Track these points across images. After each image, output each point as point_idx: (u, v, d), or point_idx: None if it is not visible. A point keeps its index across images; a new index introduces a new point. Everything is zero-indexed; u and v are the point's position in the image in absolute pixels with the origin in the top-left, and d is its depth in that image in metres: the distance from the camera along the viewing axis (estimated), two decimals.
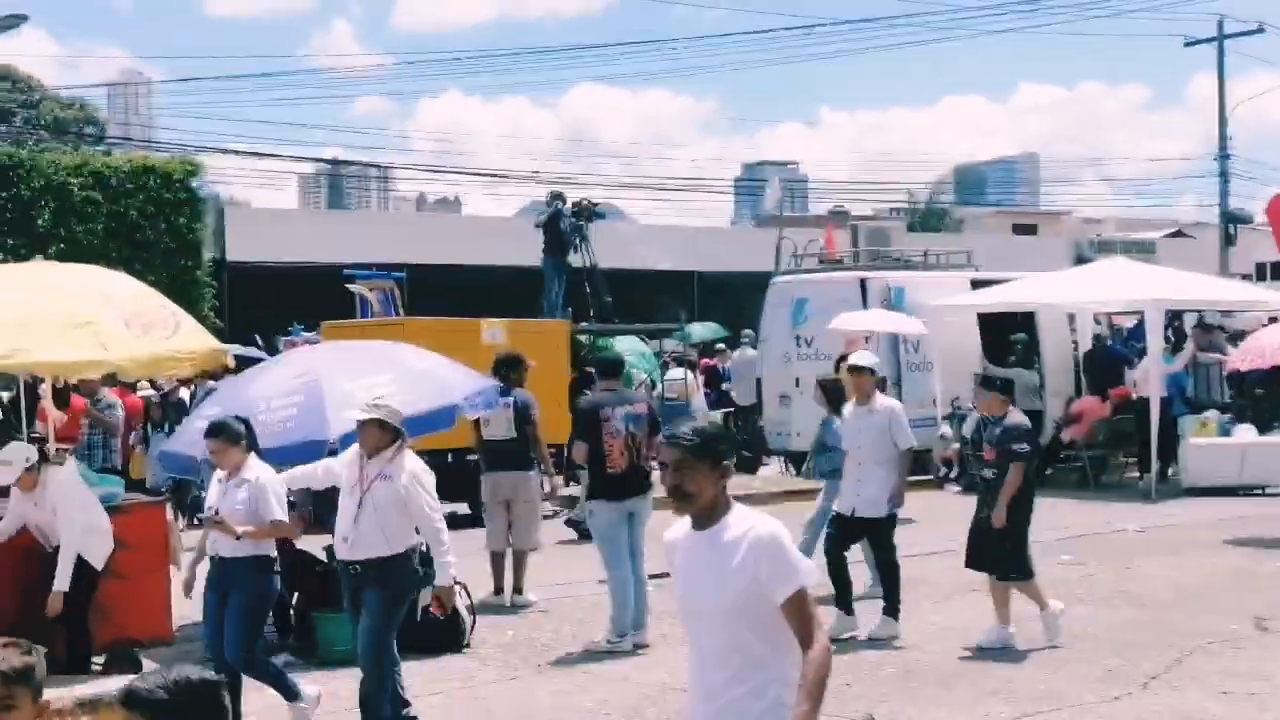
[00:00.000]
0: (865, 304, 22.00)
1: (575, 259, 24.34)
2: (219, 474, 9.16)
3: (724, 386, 27.21)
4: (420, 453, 14.35)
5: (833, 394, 13.20)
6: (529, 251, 26.54)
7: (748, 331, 26.33)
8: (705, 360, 28.88)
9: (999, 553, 10.89)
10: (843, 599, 11.48)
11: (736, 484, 21.79)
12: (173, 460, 12.21)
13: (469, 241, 36.79)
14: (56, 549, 9.91)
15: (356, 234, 36.12)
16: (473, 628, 11.51)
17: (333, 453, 11.61)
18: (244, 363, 16.29)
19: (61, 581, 9.77)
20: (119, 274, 12.77)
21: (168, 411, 18.82)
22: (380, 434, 8.90)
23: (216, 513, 8.89)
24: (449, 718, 9.56)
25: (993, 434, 11.01)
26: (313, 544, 12.01)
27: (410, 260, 32.87)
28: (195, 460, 11.46)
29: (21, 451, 10.36)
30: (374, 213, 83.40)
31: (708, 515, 4.85)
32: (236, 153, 71.58)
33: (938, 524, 15.41)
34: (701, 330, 31.70)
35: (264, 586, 9.03)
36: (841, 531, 11.70)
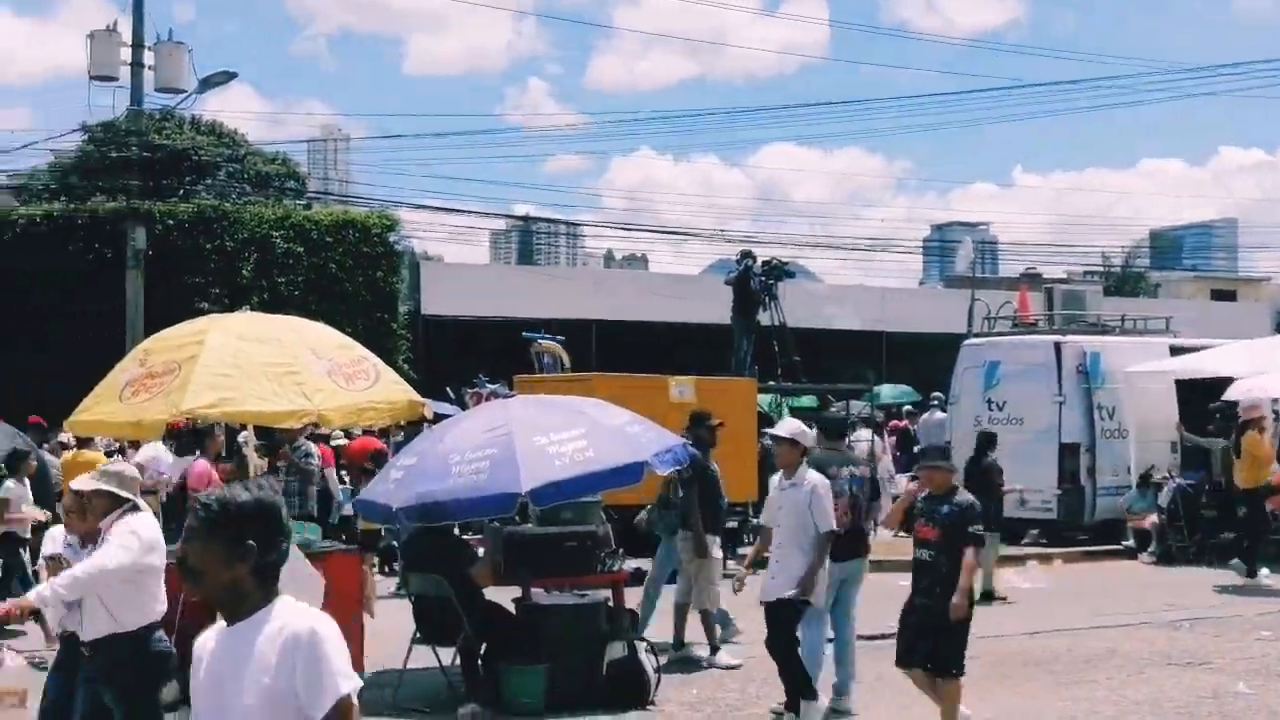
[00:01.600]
0: (1060, 368, 21.69)
1: (764, 317, 24.36)
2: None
3: (915, 450, 26.92)
4: (609, 507, 14.54)
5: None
6: (716, 309, 26.65)
7: (937, 394, 26.06)
8: (895, 422, 28.62)
9: (946, 646, 9.80)
10: (804, 689, 10.66)
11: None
12: (369, 508, 12.45)
13: (656, 298, 37.00)
14: None
15: (546, 290, 36.55)
16: (657, 685, 11.50)
17: (524, 506, 11.77)
18: (437, 416, 16.55)
19: None
20: (323, 326, 13.11)
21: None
22: (109, 503, 7.85)
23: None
24: None
25: (936, 511, 9.89)
26: (502, 595, 12.14)
27: (597, 316, 33.22)
28: (391, 509, 11.68)
29: None
30: (563, 269, 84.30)
31: (232, 606, 4.05)
32: (432, 208, 72.91)
33: (1129, 594, 15.06)
34: (890, 391, 31.46)
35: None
36: (770, 621, 10.76)
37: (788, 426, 11.11)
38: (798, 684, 10.59)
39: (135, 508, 7.81)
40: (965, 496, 9.95)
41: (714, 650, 13.12)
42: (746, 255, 25.09)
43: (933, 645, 9.79)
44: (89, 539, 7.91)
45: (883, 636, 13.79)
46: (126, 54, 26.88)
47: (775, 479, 11.07)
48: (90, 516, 7.87)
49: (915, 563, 10.00)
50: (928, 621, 9.73)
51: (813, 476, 10.69)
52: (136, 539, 7.57)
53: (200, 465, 14.63)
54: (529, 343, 23.37)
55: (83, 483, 7.92)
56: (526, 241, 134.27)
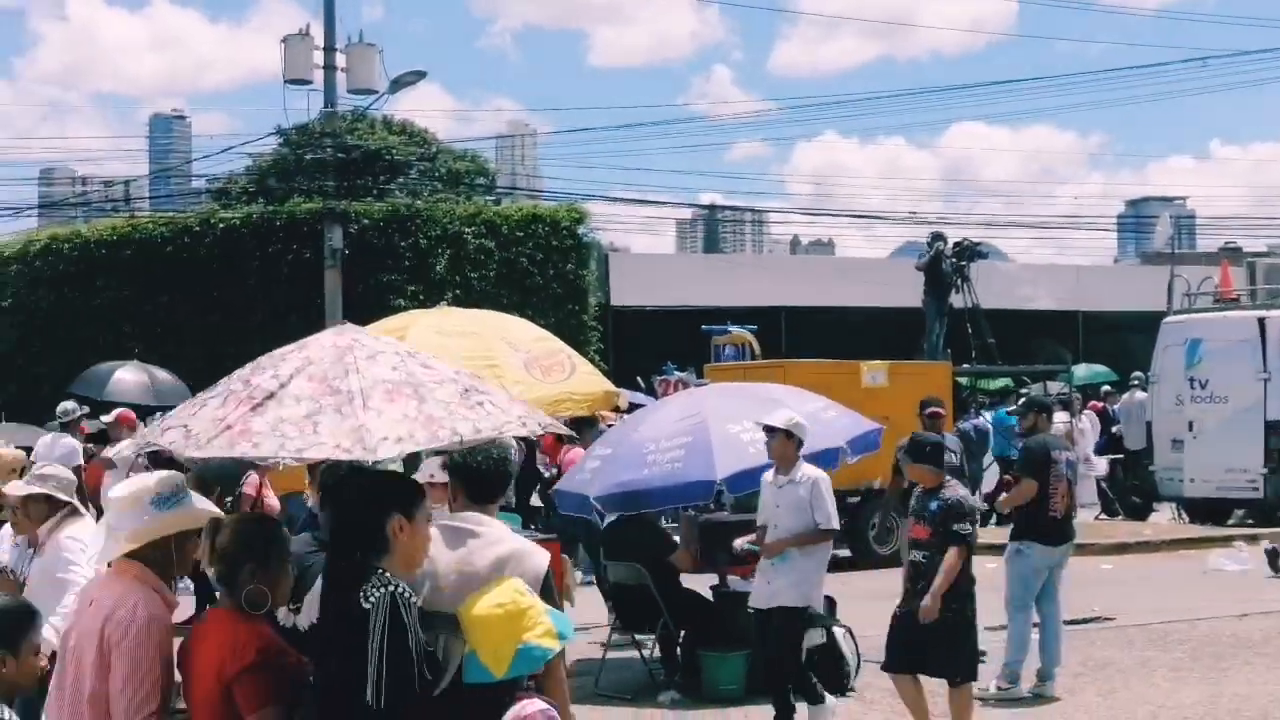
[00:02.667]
0: (1264, 344, 21.12)
1: (956, 300, 24.09)
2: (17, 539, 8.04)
3: (1114, 430, 26.39)
4: None
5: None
6: (905, 292, 26.41)
7: (1137, 374, 25.52)
8: (1094, 403, 28.10)
9: (947, 652, 9.13)
10: (810, 695, 9.93)
11: (1127, 531, 21.33)
12: (566, 499, 12.58)
13: (844, 283, 36.76)
14: None
15: (733, 278, 36.53)
16: (858, 671, 11.45)
17: (719, 494, 11.81)
18: (631, 406, 16.66)
19: None
20: (520, 319, 13.30)
21: None
22: (47, 508, 7.57)
23: None
24: None
25: (925, 508, 9.28)
26: (699, 582, 12.20)
27: (785, 303, 33.12)
28: (588, 499, 11.80)
29: None
30: (749, 256, 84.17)
31: None
32: (619, 200, 73.32)
33: None
34: (1085, 372, 30.87)
35: None
36: (762, 631, 10.03)
37: (782, 416, 10.08)
38: (802, 693, 9.90)
39: (75, 512, 7.59)
40: (954, 492, 9.26)
41: None
42: (937, 237, 24.85)
43: (929, 652, 9.14)
44: (32, 542, 7.62)
45: (1086, 620, 13.64)
46: (319, 57, 27.49)
47: (767, 475, 10.18)
48: (30, 522, 7.58)
49: (909, 564, 9.41)
50: (921, 627, 9.05)
51: (810, 470, 9.97)
52: (85, 554, 7.07)
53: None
54: (708, 336, 23.44)
55: (17, 488, 7.67)
56: (712, 230, 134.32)
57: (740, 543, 10.97)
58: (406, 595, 4.53)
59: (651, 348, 28.09)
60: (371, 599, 4.47)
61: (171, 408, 17.57)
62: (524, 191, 49.81)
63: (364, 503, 4.75)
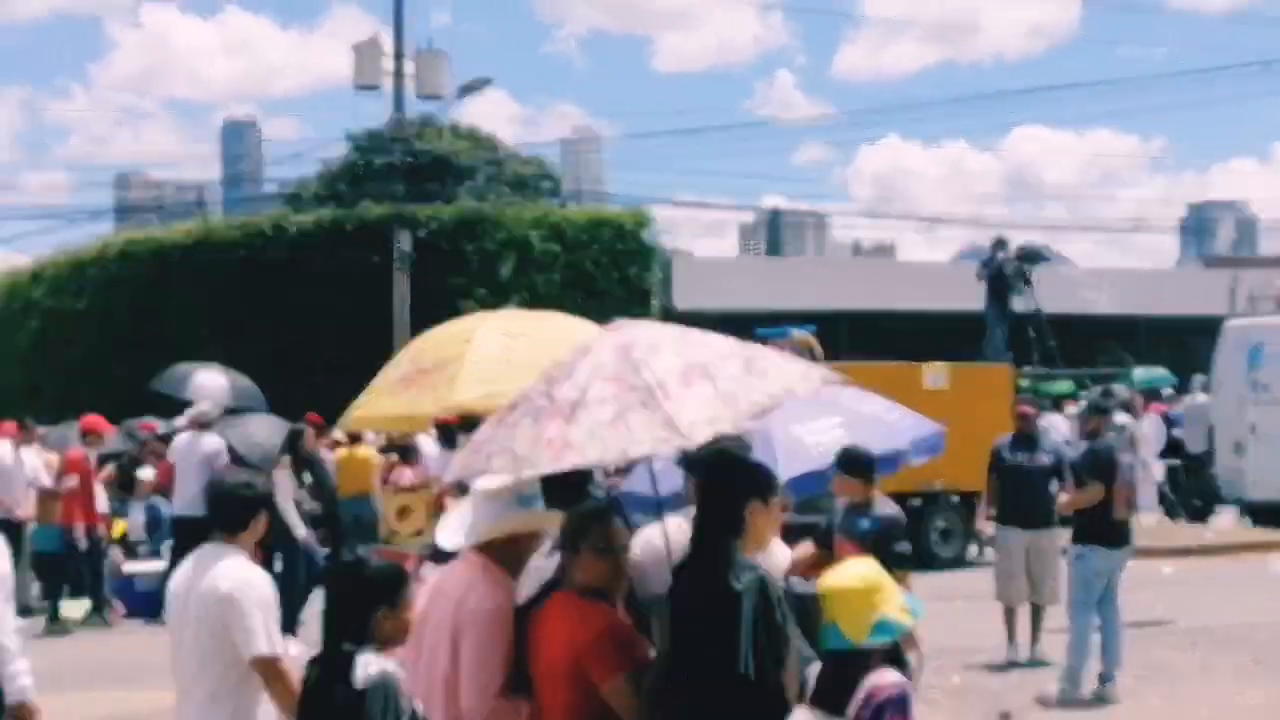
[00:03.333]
0: None
1: (1018, 303, 24.15)
2: None
3: (1174, 433, 26.35)
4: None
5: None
6: (967, 296, 26.48)
7: (1199, 377, 25.48)
8: (1156, 406, 28.04)
9: None
10: None
11: (1189, 534, 21.29)
12: (631, 499, 12.77)
13: (905, 286, 36.82)
14: None
15: (794, 281, 36.67)
16: (920, 671, 11.58)
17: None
18: None
19: None
20: (585, 322, 13.50)
21: None
22: None
23: None
24: None
25: (855, 525, 8.48)
26: None
27: (846, 306, 33.23)
28: (650, 500, 12.00)
29: None
30: (811, 259, 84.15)
31: None
32: (683, 204, 73.58)
33: None
34: (1146, 375, 30.79)
35: None
36: None
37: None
38: None
39: None
40: (888, 509, 8.55)
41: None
42: (1000, 241, 24.91)
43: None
44: None
45: (1147, 624, 13.69)
46: (389, 64, 27.89)
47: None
48: None
49: None
50: None
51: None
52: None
53: None
54: (764, 339, 23.57)
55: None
56: (775, 233, 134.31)
57: None
58: (769, 579, 4.91)
59: None
60: (742, 581, 4.82)
61: (248, 408, 17.99)
62: (589, 194, 50.09)
63: (726, 490, 5.13)
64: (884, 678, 4.67)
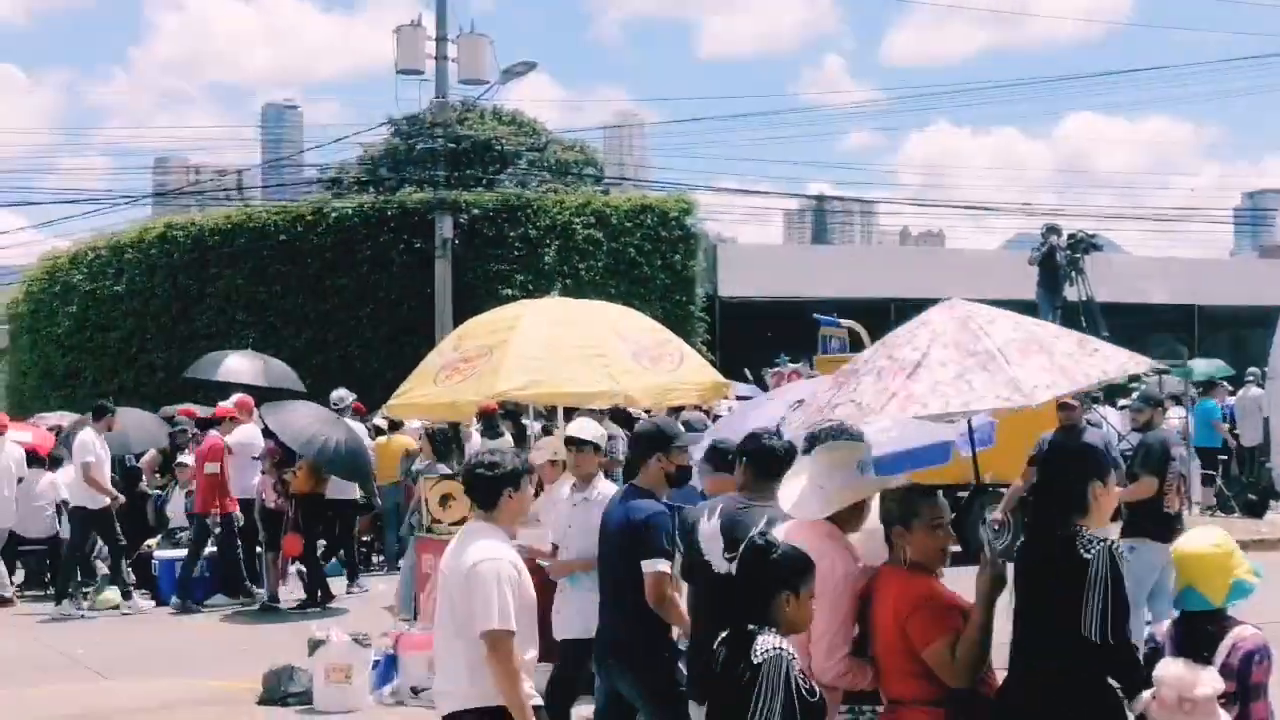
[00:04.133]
0: None
1: (1070, 293, 23.77)
2: None
3: (1228, 426, 25.91)
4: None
5: (437, 441, 12.63)
6: (1017, 285, 26.06)
7: (1253, 369, 25.01)
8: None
9: None
10: None
11: (1243, 528, 21.00)
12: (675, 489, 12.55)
13: (954, 274, 36.39)
14: None
15: (841, 269, 36.32)
16: None
17: None
18: (740, 398, 16.59)
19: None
20: (629, 309, 13.31)
21: None
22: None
23: None
24: None
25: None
26: None
27: (894, 295, 32.84)
28: (695, 490, 11.76)
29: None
30: (858, 247, 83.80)
31: None
32: (728, 190, 73.30)
33: None
34: (1202, 367, 30.31)
35: None
36: (558, 664, 8.54)
37: (587, 429, 8.96)
38: None
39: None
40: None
41: None
42: (1051, 229, 24.52)
43: None
44: None
45: None
46: (431, 48, 27.72)
47: (564, 489, 9.12)
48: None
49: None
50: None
51: (608, 488, 8.55)
52: None
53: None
54: (818, 326, 23.29)
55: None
56: (821, 221, 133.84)
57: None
58: (1119, 549, 5.48)
59: (758, 339, 27.98)
60: (1091, 550, 5.42)
61: (284, 390, 17.97)
62: (632, 182, 49.85)
63: (1071, 470, 5.73)
64: (1244, 630, 5.37)
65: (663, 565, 7.15)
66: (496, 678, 5.93)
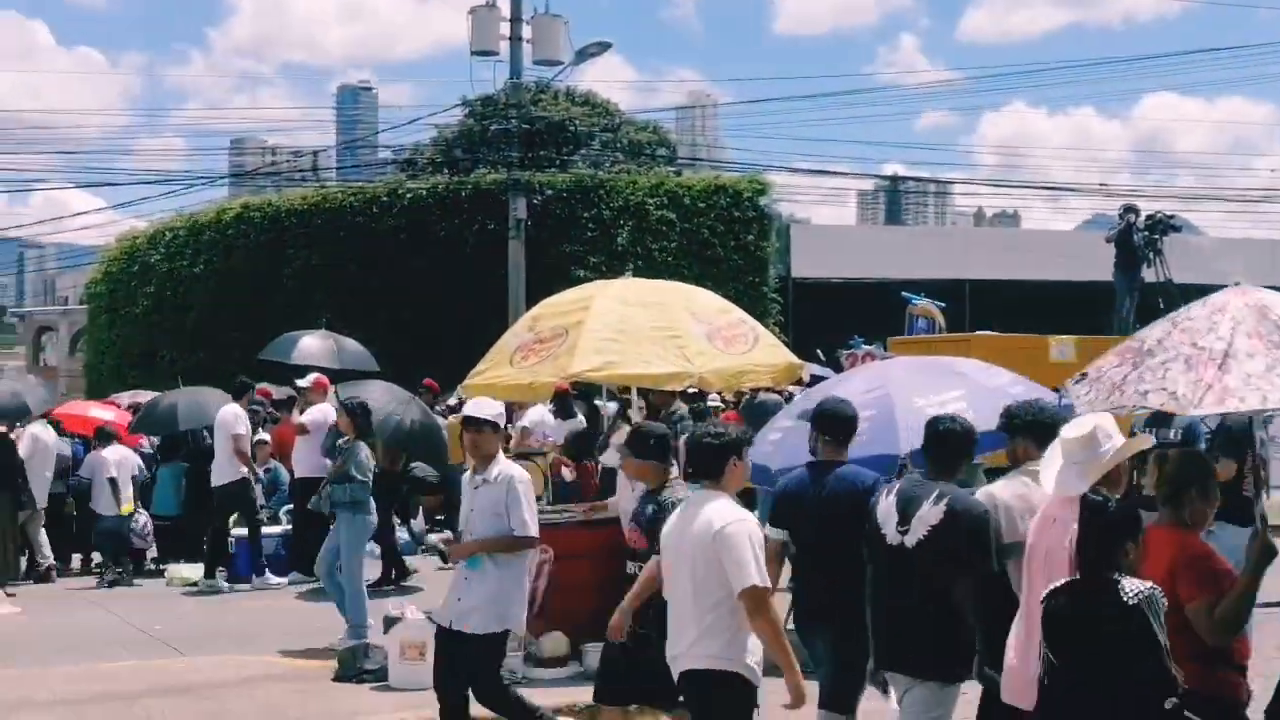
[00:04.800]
0: None
1: (1148, 274, 23.51)
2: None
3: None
4: (989, 471, 14.24)
5: (358, 416, 12.53)
6: (1094, 266, 25.83)
7: None
8: None
9: (657, 679, 7.13)
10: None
11: None
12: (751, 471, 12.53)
13: (1029, 255, 36.10)
14: None
15: (915, 250, 36.10)
16: None
17: (903, 467, 11.67)
18: (813, 379, 16.55)
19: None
20: (703, 290, 13.29)
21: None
22: None
23: None
24: None
25: (643, 511, 7.86)
26: None
27: (967, 276, 32.63)
28: (769, 470, 11.76)
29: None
30: (932, 228, 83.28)
31: None
32: (801, 171, 73.03)
33: None
34: None
35: None
36: (441, 650, 8.47)
37: (485, 407, 8.55)
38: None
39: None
40: (677, 493, 7.58)
41: None
42: (1129, 209, 24.23)
43: (645, 678, 7.50)
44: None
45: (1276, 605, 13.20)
46: (505, 29, 27.75)
47: (465, 475, 8.72)
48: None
49: (628, 579, 7.92)
50: (636, 652, 7.56)
51: (509, 469, 8.40)
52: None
53: None
54: (905, 303, 23.16)
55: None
56: (895, 201, 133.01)
57: (434, 539, 10.29)
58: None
59: (831, 320, 27.91)
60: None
61: (357, 371, 18.02)
62: (706, 162, 49.76)
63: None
64: None
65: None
66: (761, 632, 6.28)
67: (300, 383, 17.65)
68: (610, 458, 12.43)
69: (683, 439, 7.28)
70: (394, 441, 16.00)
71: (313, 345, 20.84)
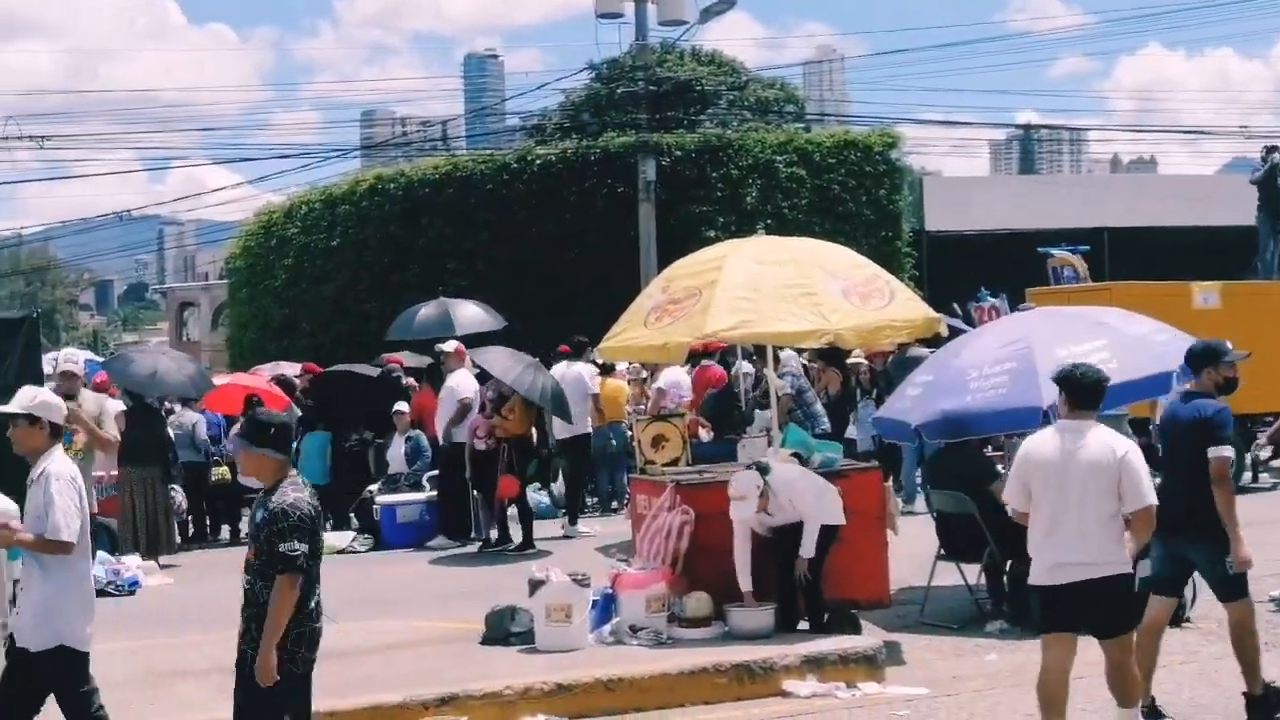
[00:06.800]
0: None
1: None
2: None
3: None
4: (1132, 421, 14.00)
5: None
6: (1235, 210, 25.32)
7: None
8: None
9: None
10: None
11: None
12: (887, 426, 12.49)
13: (1168, 201, 35.39)
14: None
15: (1050, 200, 35.55)
16: (1193, 602, 11.08)
17: (1046, 420, 11.53)
18: (952, 332, 16.41)
19: (807, 548, 10.29)
20: (838, 246, 13.18)
21: (878, 379, 19.04)
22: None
23: None
24: (1177, 690, 9.27)
25: (255, 516, 7.01)
26: None
27: (1104, 224, 32.08)
28: (909, 426, 11.69)
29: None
30: (1067, 176, 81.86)
31: None
32: (932, 122, 72.24)
33: None
34: None
35: None
36: (9, 665, 7.62)
37: (22, 397, 7.68)
38: None
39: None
40: (287, 496, 6.81)
41: None
42: (1272, 150, 23.68)
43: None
44: None
45: None
46: None
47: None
48: None
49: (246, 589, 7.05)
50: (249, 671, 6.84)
51: (52, 466, 7.49)
52: None
53: None
54: (1045, 257, 22.88)
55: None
56: (1028, 150, 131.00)
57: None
58: None
59: (967, 273, 27.63)
60: None
61: (478, 334, 18.17)
62: (834, 118, 49.35)
63: None
64: None
65: (1226, 451, 8.52)
66: (1142, 542, 7.80)
67: (442, 348, 17.88)
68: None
69: (1057, 374, 8.11)
70: (541, 402, 16.08)
71: (429, 317, 21.20)
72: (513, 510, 16.61)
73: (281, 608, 6.68)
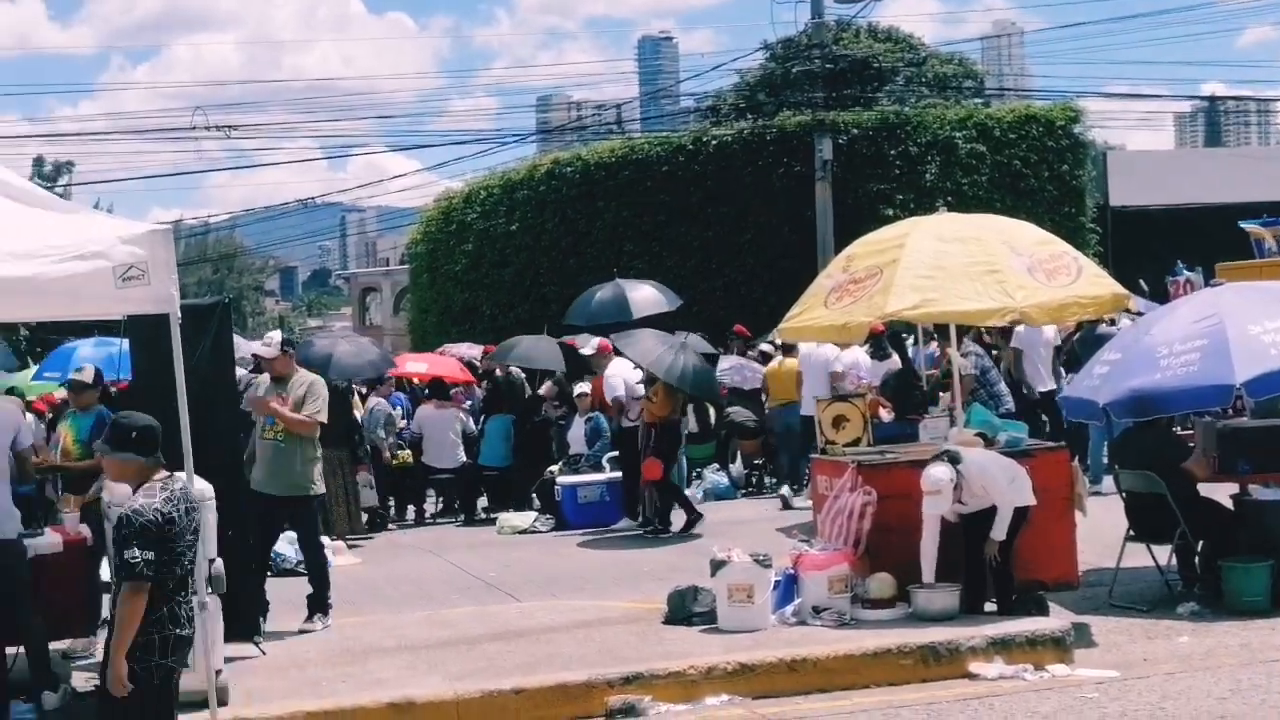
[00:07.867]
0: None
1: None
2: None
3: None
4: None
5: None
6: None
7: None
8: None
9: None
10: None
11: None
12: (1074, 405, 12.27)
13: None
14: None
15: (1239, 173, 34.57)
16: None
17: (1239, 398, 11.24)
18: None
19: (999, 531, 10.17)
20: (1022, 222, 12.98)
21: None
22: None
23: None
24: None
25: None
26: (1218, 491, 11.72)
27: None
28: (1097, 405, 11.46)
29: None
30: (1256, 149, 79.56)
31: None
32: (1115, 95, 70.75)
33: None
34: None
35: None
36: None
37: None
38: None
39: None
40: (135, 502, 6.49)
41: None
42: None
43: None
44: None
45: None
46: None
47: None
48: None
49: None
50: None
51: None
52: None
53: None
54: (1244, 231, 22.27)
55: None
56: (1214, 123, 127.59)
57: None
58: None
59: (1152, 249, 26.97)
60: None
61: (649, 318, 18.25)
62: (1014, 92, 48.55)
63: None
64: None
65: None
66: None
67: (584, 352, 18.27)
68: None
69: None
70: (681, 385, 16.09)
71: (606, 300, 21.40)
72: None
73: (126, 616, 6.38)
